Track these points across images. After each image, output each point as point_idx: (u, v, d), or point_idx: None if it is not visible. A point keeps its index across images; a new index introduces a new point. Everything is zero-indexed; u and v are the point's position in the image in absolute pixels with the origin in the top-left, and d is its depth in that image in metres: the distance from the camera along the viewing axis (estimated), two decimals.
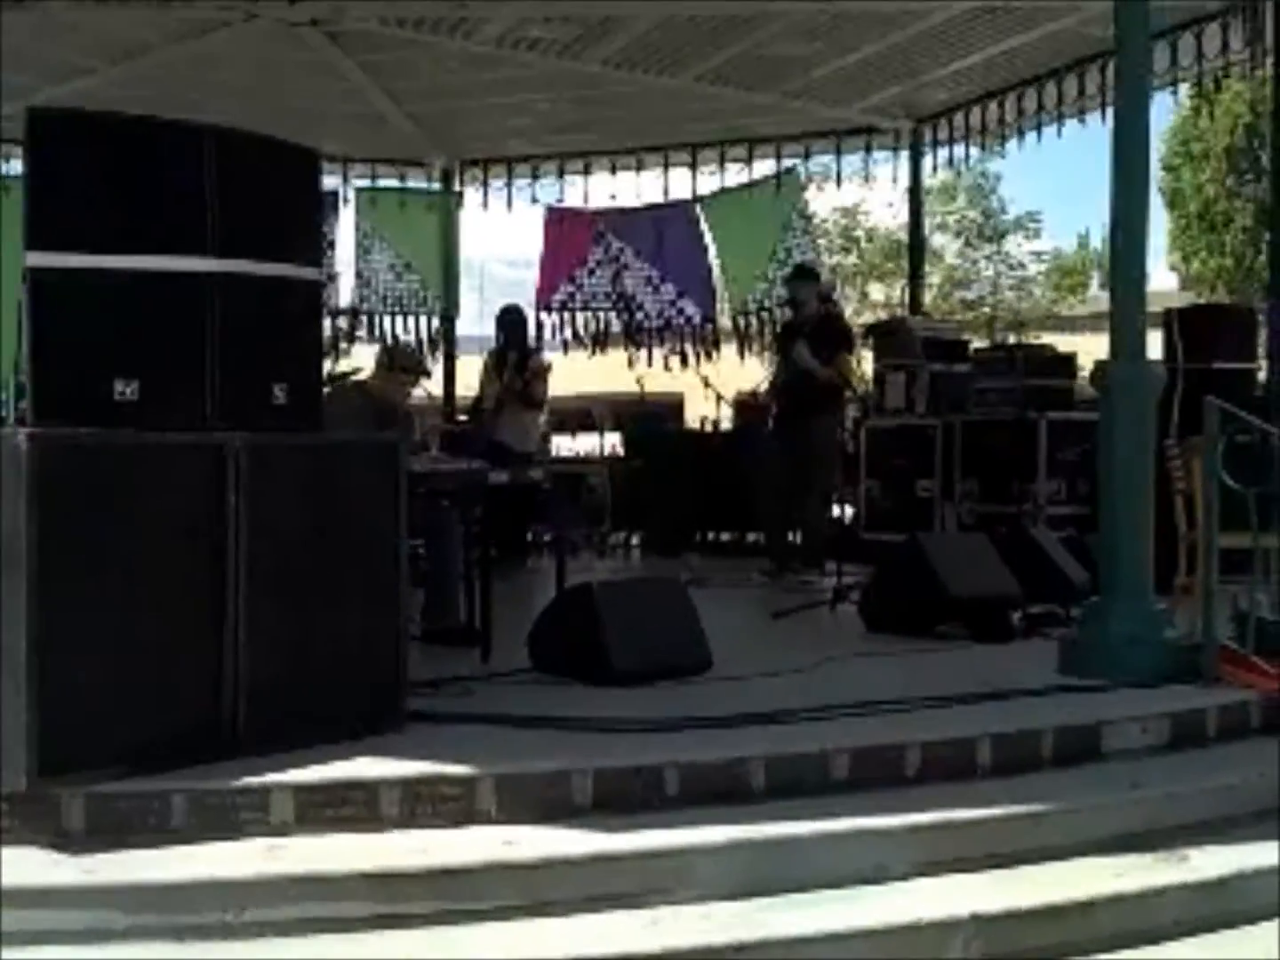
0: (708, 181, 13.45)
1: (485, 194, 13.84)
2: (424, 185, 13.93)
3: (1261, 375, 9.69)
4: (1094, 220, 30.28)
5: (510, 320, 10.40)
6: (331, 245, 13.06)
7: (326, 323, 11.28)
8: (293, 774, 4.07)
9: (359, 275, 13.50)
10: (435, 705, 4.92)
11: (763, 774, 4.39)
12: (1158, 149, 26.30)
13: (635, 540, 12.00)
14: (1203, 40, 9.44)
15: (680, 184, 13.48)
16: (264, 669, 4.32)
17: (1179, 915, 4.09)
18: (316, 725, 4.40)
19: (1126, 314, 5.91)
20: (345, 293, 13.36)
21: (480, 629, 6.08)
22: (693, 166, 13.33)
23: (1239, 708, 5.34)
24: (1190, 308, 10.86)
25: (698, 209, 13.48)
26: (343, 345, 13.22)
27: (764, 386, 10.51)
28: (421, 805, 4.06)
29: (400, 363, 7.45)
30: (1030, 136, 11.42)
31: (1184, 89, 11.08)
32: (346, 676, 4.52)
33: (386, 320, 13.52)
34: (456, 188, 13.87)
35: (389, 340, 12.94)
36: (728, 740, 4.58)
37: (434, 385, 11.55)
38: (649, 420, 12.89)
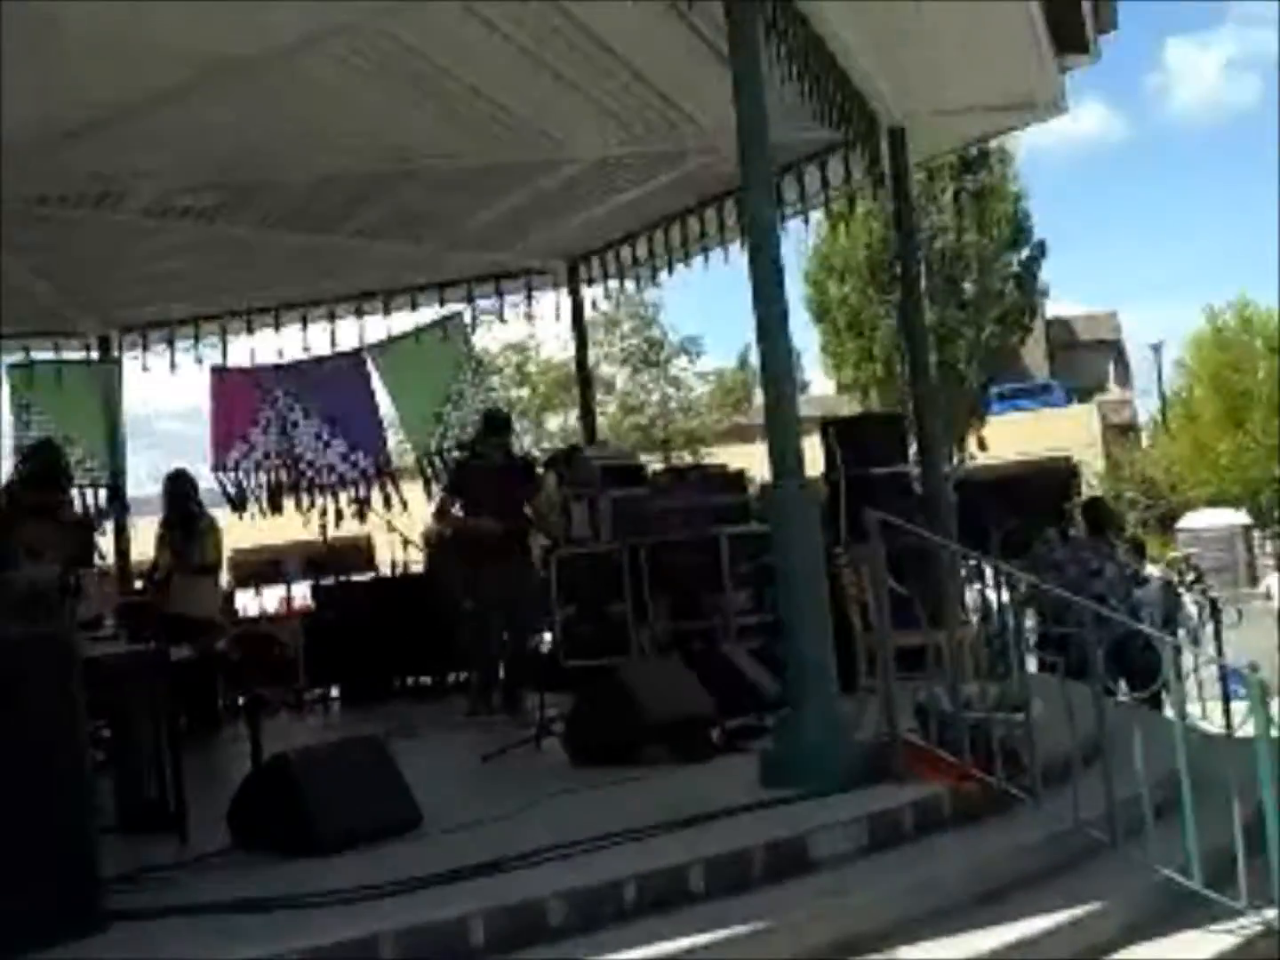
0: (375, 329, 13.51)
1: (144, 358, 13.56)
2: (81, 356, 13.57)
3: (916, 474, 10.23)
4: (752, 338, 31.48)
5: (172, 488, 10.19)
6: None
7: None
8: None
9: (17, 452, 13.00)
10: (136, 900, 4.71)
11: (481, 930, 4.33)
12: (801, 266, 27.66)
13: (334, 694, 11.74)
14: (827, 170, 9.99)
15: (348, 333, 13.50)
16: None
17: None
18: (6, 932, 4.15)
19: (780, 435, 6.16)
20: (4, 472, 12.82)
21: (176, 811, 5.85)
22: (359, 315, 13.37)
23: (931, 801, 5.55)
24: (843, 418, 11.42)
25: (367, 358, 13.49)
26: None
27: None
28: None
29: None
30: (680, 267, 11.91)
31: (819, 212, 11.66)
32: (37, 878, 4.29)
33: None
34: (115, 354, 13.55)
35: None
36: (440, 899, 4.50)
37: (107, 552, 11.18)
38: (336, 569, 12.69)
